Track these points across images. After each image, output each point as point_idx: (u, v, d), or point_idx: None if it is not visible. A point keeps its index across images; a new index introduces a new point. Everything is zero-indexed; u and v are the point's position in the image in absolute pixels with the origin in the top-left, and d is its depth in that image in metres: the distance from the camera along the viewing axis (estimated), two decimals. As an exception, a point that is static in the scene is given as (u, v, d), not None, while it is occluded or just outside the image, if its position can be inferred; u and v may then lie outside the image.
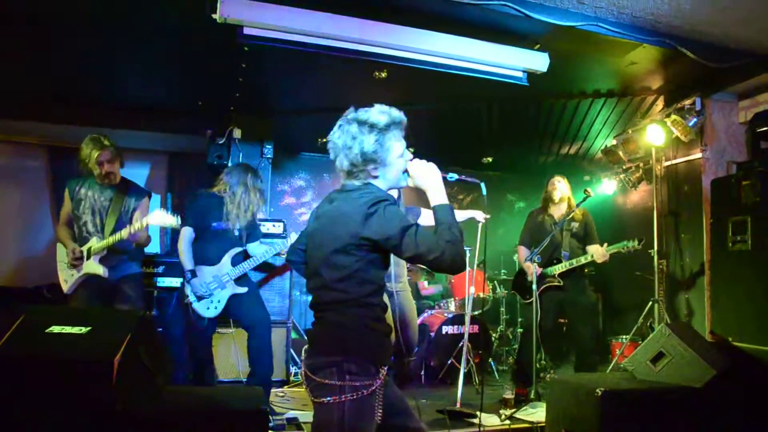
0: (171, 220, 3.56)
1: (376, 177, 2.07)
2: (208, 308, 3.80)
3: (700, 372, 2.98)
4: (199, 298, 3.78)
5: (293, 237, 4.00)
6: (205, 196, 3.91)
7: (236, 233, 3.90)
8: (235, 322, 4.24)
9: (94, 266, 3.61)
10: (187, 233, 3.83)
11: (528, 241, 4.87)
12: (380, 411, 1.91)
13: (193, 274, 3.78)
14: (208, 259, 3.84)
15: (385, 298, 2.14)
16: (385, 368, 1.96)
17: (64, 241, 3.72)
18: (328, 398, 1.85)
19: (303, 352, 2.03)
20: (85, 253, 3.62)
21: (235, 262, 3.88)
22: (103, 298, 3.66)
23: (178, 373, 4.48)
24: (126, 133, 5.59)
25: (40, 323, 2.32)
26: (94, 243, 3.63)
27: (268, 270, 4.89)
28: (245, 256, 3.99)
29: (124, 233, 3.56)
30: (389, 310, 2.10)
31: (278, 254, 4.07)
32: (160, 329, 4.61)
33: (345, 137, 2.05)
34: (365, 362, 1.90)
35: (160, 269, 4.88)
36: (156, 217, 3.56)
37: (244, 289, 3.88)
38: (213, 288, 3.80)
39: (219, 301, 3.81)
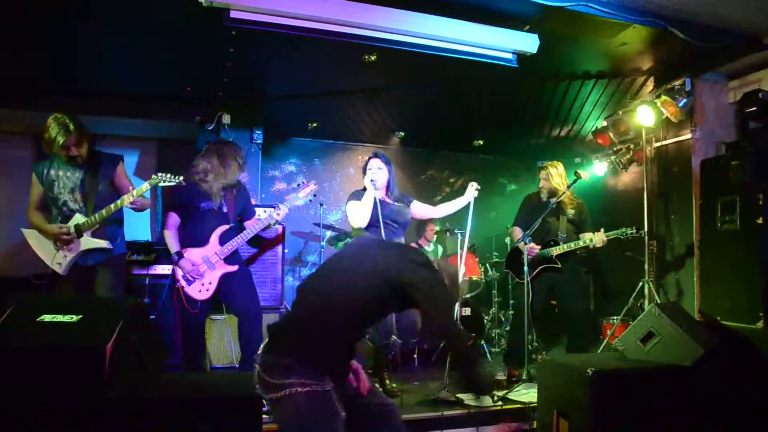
0: (169, 177, 3.61)
1: None
2: (199, 291, 3.78)
3: (689, 351, 3.01)
4: (190, 281, 3.77)
5: (283, 210, 3.99)
6: (187, 180, 3.87)
7: (224, 210, 3.88)
8: (226, 307, 4.24)
9: (93, 241, 3.59)
10: (171, 218, 3.84)
11: (523, 223, 4.91)
12: (342, 410, 1.90)
13: (180, 255, 3.76)
14: (196, 241, 3.82)
15: None
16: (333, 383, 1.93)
17: (40, 225, 3.63)
18: (279, 394, 1.86)
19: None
20: (73, 231, 3.56)
21: (223, 241, 3.85)
22: (87, 281, 3.63)
23: (171, 361, 4.48)
24: (114, 121, 5.54)
25: (30, 312, 2.31)
26: (80, 219, 3.58)
27: (259, 246, 4.89)
28: (238, 232, 3.97)
29: (121, 203, 3.54)
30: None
31: (267, 227, 4.05)
32: (152, 317, 4.60)
33: None
34: (316, 371, 1.90)
35: (153, 257, 4.86)
36: (154, 180, 3.60)
37: (234, 267, 3.86)
38: (203, 270, 3.78)
39: (210, 282, 3.80)
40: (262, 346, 2.03)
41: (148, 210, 6.20)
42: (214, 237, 3.83)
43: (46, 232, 3.61)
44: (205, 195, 3.82)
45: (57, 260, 3.60)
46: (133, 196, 3.54)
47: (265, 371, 1.92)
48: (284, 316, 2.06)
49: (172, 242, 3.81)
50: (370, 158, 4.02)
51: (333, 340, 1.96)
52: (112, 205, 3.57)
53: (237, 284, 3.86)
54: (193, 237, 3.83)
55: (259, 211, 4.92)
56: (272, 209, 5.02)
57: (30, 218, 3.69)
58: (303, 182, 4.28)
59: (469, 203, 4.14)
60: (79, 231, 3.58)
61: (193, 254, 3.79)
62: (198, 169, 3.88)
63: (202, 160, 3.90)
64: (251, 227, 3.96)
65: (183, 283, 3.77)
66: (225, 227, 3.89)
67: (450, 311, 1.98)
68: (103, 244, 3.62)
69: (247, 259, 4.68)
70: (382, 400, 2.16)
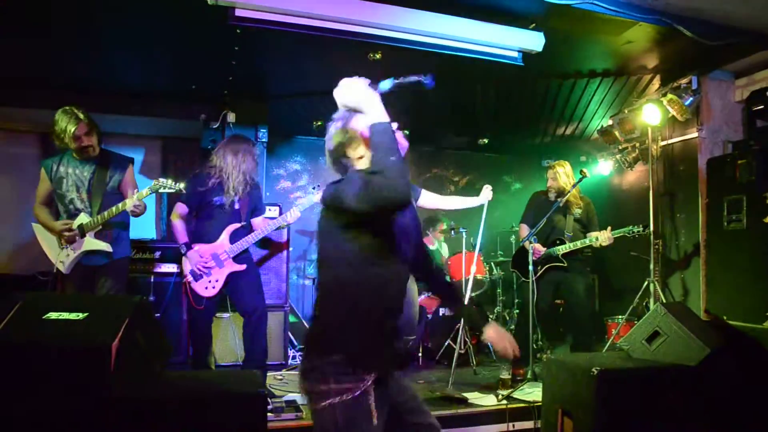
0: (170, 184, 3.56)
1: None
2: (206, 288, 3.77)
3: (695, 350, 3.00)
4: (197, 277, 3.75)
5: (295, 213, 3.98)
6: (201, 175, 3.86)
7: (236, 207, 3.85)
8: (232, 305, 4.23)
9: (95, 243, 3.56)
10: (178, 208, 3.82)
11: (530, 221, 4.90)
12: (382, 411, 1.82)
13: (188, 246, 3.74)
14: (206, 237, 3.80)
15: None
16: (374, 374, 1.82)
17: (46, 222, 3.63)
18: (317, 405, 1.80)
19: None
20: (77, 230, 3.55)
21: (233, 239, 3.82)
22: (90, 281, 3.62)
23: (176, 358, 4.49)
24: (119, 119, 5.55)
25: (37, 309, 2.32)
26: (84, 219, 3.57)
27: (264, 245, 4.88)
28: (249, 231, 3.95)
29: (123, 206, 3.50)
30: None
31: (279, 228, 4.03)
32: (157, 315, 4.62)
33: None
34: (348, 367, 1.79)
35: (157, 255, 4.87)
36: (155, 186, 3.55)
37: (242, 267, 3.83)
38: (210, 266, 3.76)
39: (216, 280, 3.78)
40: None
41: (153, 208, 6.27)
42: (225, 234, 3.81)
43: (50, 228, 3.61)
44: (219, 191, 3.80)
45: (61, 258, 3.61)
46: (133, 199, 3.52)
47: (303, 379, 1.85)
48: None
49: (180, 233, 3.78)
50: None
51: (357, 321, 1.85)
52: (113, 208, 3.55)
53: (245, 283, 3.85)
54: (204, 232, 3.81)
55: (264, 209, 4.93)
56: (276, 206, 5.04)
57: (36, 213, 3.70)
58: (318, 185, 4.29)
59: (482, 205, 4.18)
60: (83, 231, 3.57)
61: (201, 250, 3.77)
62: (212, 164, 3.85)
63: (218, 155, 3.87)
64: (263, 228, 3.94)
65: (190, 278, 3.76)
66: (236, 225, 3.86)
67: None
68: (104, 246, 3.59)
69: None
70: (426, 419, 2.03)
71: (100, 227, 3.60)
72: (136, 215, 3.68)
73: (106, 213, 3.55)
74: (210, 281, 3.78)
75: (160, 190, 3.60)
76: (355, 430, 1.78)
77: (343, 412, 1.76)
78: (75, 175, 3.63)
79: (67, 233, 3.54)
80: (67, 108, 3.56)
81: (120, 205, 3.55)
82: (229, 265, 3.80)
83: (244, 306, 3.86)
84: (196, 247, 3.77)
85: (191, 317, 3.88)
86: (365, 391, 1.79)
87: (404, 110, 6.07)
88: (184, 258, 3.80)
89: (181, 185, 3.64)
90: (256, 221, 4.03)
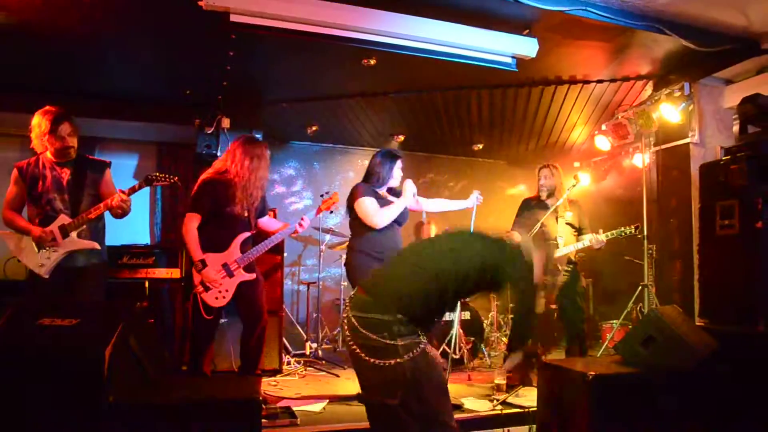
0: (162, 177, 3.56)
1: None
2: (216, 298, 3.65)
3: (689, 355, 3.01)
4: (207, 288, 3.64)
5: (306, 221, 3.96)
6: (212, 181, 3.69)
7: (246, 215, 3.75)
8: (233, 312, 4.16)
9: (80, 242, 3.44)
10: (192, 220, 3.64)
11: (521, 227, 4.90)
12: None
13: (204, 263, 3.60)
14: (217, 246, 3.68)
15: None
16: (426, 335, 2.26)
17: (21, 225, 3.45)
18: (388, 361, 2.09)
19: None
20: (58, 231, 3.41)
21: (243, 248, 3.73)
22: (66, 284, 3.45)
23: (170, 364, 4.46)
24: (113, 124, 5.55)
25: (29, 316, 2.30)
26: (67, 220, 3.43)
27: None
28: (254, 241, 3.85)
29: (111, 201, 3.41)
30: None
31: (294, 233, 3.98)
32: (151, 320, 4.59)
33: None
34: (415, 329, 2.17)
35: (151, 260, 4.85)
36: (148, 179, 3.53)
37: (252, 276, 3.74)
38: (221, 277, 3.65)
39: (227, 290, 3.67)
40: (352, 305, 2.24)
41: (147, 213, 6.25)
42: (235, 244, 3.70)
43: (28, 231, 3.43)
44: (231, 198, 3.68)
45: (40, 262, 3.42)
46: (122, 195, 3.42)
47: (367, 329, 2.12)
48: (378, 276, 2.43)
49: (195, 248, 3.61)
50: (399, 158, 4.05)
51: (429, 301, 2.22)
52: (101, 204, 3.44)
53: (252, 292, 3.75)
54: (213, 241, 3.68)
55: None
56: (271, 211, 5.02)
57: (8, 218, 3.51)
58: (326, 192, 4.31)
59: (471, 210, 4.18)
60: (65, 231, 3.42)
61: (211, 259, 3.65)
62: (225, 169, 3.72)
63: (233, 160, 3.72)
64: (275, 236, 3.89)
65: (201, 288, 3.64)
66: (246, 234, 3.76)
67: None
68: (88, 244, 3.47)
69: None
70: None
71: (84, 227, 3.48)
72: (119, 216, 3.56)
73: (92, 210, 3.43)
74: (220, 291, 3.67)
75: (153, 183, 3.53)
76: (430, 371, 2.16)
77: (412, 366, 2.10)
78: (53, 177, 3.48)
79: (50, 241, 3.39)
80: (48, 108, 3.42)
81: (108, 200, 3.44)
82: (239, 275, 3.70)
83: (249, 313, 3.76)
84: (207, 259, 3.64)
85: (196, 326, 3.76)
86: (423, 346, 2.17)
87: (399, 115, 6.11)
88: (197, 272, 3.65)
89: (175, 178, 3.60)
90: (264, 221, 3.99)
